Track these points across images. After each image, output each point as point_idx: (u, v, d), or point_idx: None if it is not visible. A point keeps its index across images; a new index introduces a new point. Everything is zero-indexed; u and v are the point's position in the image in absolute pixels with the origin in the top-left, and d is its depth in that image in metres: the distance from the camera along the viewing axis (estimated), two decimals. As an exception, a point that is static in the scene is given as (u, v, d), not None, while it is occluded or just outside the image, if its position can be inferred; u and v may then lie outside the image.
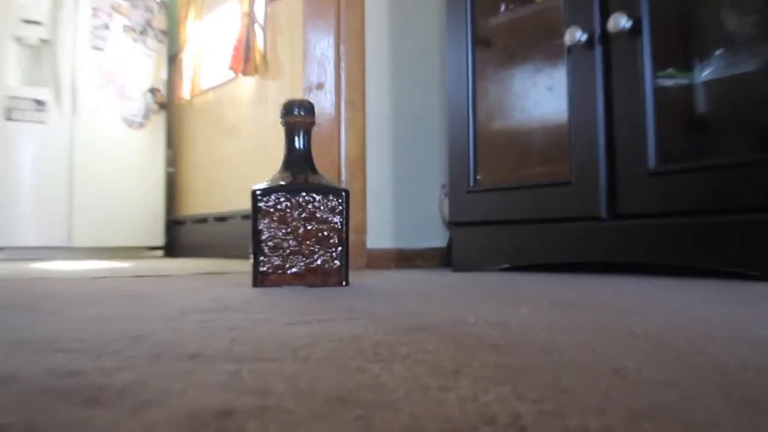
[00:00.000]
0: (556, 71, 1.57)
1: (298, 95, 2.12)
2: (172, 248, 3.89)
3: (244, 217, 3.07)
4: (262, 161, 3.11)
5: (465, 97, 1.73)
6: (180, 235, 3.88)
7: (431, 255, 2.07)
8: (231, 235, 3.27)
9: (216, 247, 3.41)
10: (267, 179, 1.19)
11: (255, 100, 3.23)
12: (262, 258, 1.13)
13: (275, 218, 1.14)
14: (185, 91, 3.71)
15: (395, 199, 2.05)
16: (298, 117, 1.20)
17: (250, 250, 1.15)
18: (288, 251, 1.14)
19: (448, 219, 1.87)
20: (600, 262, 1.45)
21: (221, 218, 3.44)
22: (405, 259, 2.03)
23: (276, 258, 1.14)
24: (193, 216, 3.75)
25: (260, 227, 1.13)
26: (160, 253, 3.81)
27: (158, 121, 3.81)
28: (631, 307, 0.80)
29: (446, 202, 1.95)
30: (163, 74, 3.84)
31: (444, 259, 2.06)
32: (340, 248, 1.16)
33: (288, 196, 1.14)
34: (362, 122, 1.97)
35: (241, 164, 3.32)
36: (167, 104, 3.88)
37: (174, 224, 3.91)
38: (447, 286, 1.20)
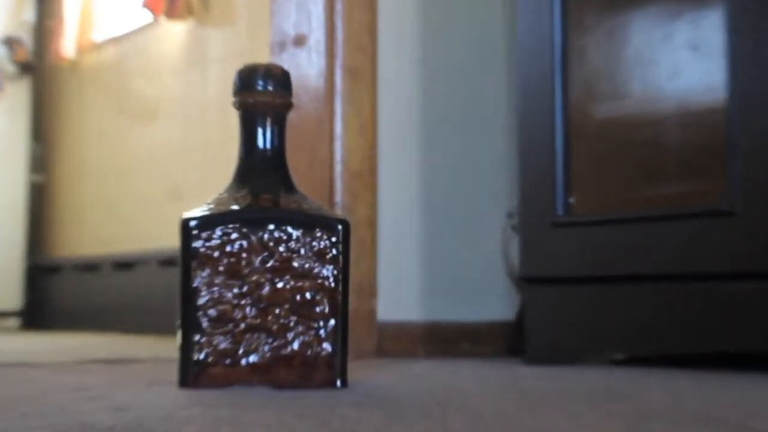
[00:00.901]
0: (706, 19, 1.59)
1: (263, 56, 2.13)
2: (36, 314, 3.90)
3: (165, 263, 3.07)
4: (199, 167, 3.13)
5: (548, 63, 1.74)
6: (52, 292, 3.89)
7: (488, 334, 2.07)
8: (142, 293, 3.28)
9: (115, 314, 3.41)
10: (208, 201, 1.19)
11: (187, 61, 3.25)
12: (198, 337, 1.14)
13: (221, 268, 1.14)
14: (67, 45, 3.74)
15: (427, 237, 2.05)
16: (263, 94, 1.21)
17: (177, 322, 1.15)
18: (243, 326, 1.14)
19: (518, 272, 1.87)
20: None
21: (125, 264, 3.45)
22: (443, 340, 2.02)
23: (222, 338, 1.14)
24: (76, 259, 3.76)
25: (196, 283, 1.14)
26: (14, 321, 3.82)
27: (17, 94, 3.85)
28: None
29: (515, 241, 1.95)
30: (29, 14, 3.88)
31: (510, 341, 2.05)
32: (332, 322, 1.16)
33: (245, 230, 1.15)
34: (372, 103, 1.98)
35: (163, 171, 3.34)
36: (34, 65, 3.92)
37: (41, 273, 3.93)
38: (517, 392, 1.20)
